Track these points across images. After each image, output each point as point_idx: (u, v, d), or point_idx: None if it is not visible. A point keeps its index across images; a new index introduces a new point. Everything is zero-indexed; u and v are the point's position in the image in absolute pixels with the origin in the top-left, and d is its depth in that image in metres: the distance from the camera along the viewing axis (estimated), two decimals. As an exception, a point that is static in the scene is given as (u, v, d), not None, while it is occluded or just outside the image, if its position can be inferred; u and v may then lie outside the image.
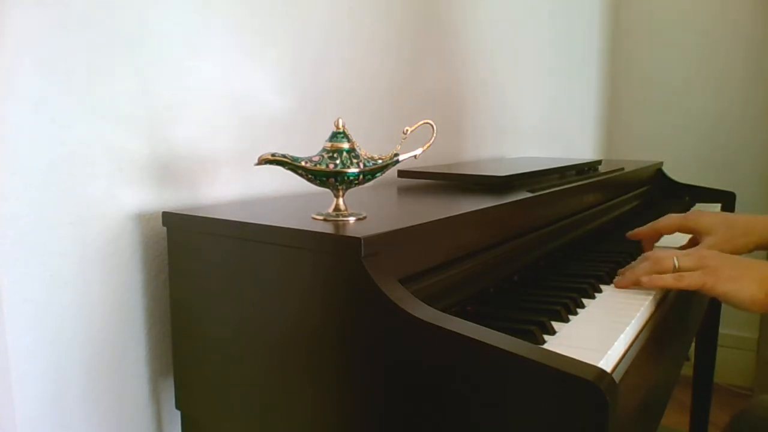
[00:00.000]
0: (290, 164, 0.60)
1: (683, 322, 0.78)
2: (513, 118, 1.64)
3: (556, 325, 0.62)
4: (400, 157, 0.65)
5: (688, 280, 0.70)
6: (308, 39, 0.91)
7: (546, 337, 0.59)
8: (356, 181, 0.62)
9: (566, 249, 0.94)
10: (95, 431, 0.68)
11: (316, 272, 0.55)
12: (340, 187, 0.62)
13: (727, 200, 1.53)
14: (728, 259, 0.73)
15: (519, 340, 0.46)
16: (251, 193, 0.84)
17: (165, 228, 0.69)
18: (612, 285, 0.78)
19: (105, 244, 0.67)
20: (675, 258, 0.73)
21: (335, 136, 0.62)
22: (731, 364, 2.18)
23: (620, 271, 0.79)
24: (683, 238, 0.98)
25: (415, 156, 0.67)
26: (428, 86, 1.23)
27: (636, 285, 0.74)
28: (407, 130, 0.65)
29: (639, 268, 0.75)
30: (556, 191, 0.91)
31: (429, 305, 0.50)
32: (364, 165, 0.62)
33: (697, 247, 0.85)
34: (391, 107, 1.11)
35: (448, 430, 0.48)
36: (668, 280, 0.71)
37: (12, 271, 0.59)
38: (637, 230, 0.95)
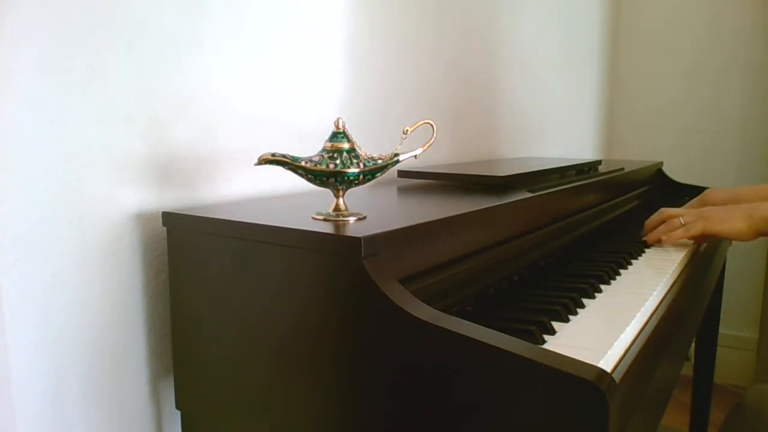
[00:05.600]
0: (290, 164, 0.60)
1: (683, 322, 0.78)
2: (513, 118, 1.64)
3: (556, 325, 0.62)
4: (400, 157, 0.65)
5: (693, 229, 0.97)
6: (306, 39, 0.91)
7: (546, 337, 0.59)
8: (356, 181, 0.62)
9: (566, 249, 0.94)
10: (95, 431, 0.68)
11: (316, 272, 0.55)
12: (340, 187, 0.62)
13: (727, 200, 1.53)
14: (720, 208, 0.99)
15: (519, 340, 0.46)
16: (251, 192, 0.84)
17: (165, 228, 0.69)
18: (611, 285, 0.79)
19: (105, 244, 0.67)
20: (680, 217, 0.99)
21: (335, 136, 0.62)
22: (731, 364, 2.18)
23: (645, 231, 1.05)
24: None
25: (415, 156, 0.68)
26: (429, 86, 1.23)
27: (659, 242, 1.01)
28: (407, 130, 0.65)
29: (657, 230, 1.02)
30: (556, 191, 0.91)
31: (429, 305, 0.50)
32: (364, 165, 0.62)
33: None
34: (392, 107, 1.11)
35: (447, 430, 0.48)
36: (680, 234, 0.98)
37: (12, 271, 0.59)
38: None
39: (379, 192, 0.87)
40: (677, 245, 1.03)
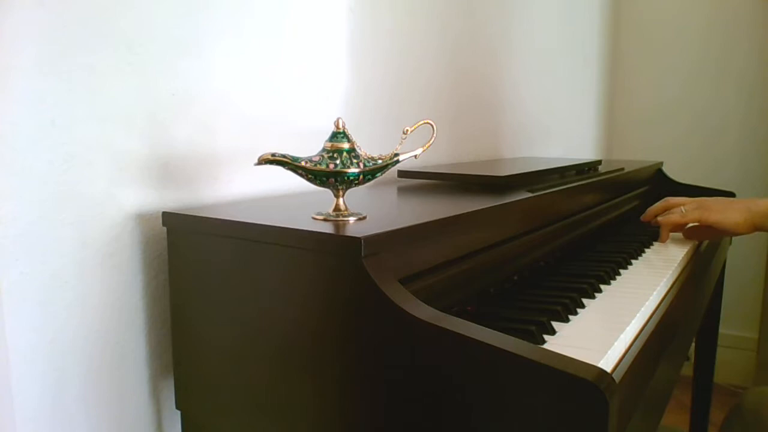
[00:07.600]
0: (290, 164, 0.60)
1: (683, 322, 0.78)
2: (514, 118, 1.64)
3: (556, 325, 0.62)
4: (400, 157, 0.65)
5: (690, 216, 1.00)
6: (307, 39, 0.91)
7: (546, 337, 0.59)
8: (356, 181, 0.62)
9: (566, 249, 0.94)
10: (95, 431, 0.68)
11: (316, 272, 0.55)
12: (340, 187, 0.62)
13: (727, 200, 1.53)
14: (720, 199, 1.02)
15: (519, 340, 0.46)
16: (251, 192, 0.84)
17: (165, 228, 0.69)
18: (611, 285, 0.79)
19: (105, 244, 0.67)
20: (682, 206, 1.02)
21: (335, 136, 0.62)
22: (731, 364, 2.18)
23: (647, 214, 1.09)
24: None
25: (415, 156, 0.68)
26: (430, 87, 1.23)
27: (654, 221, 1.05)
28: (407, 130, 0.65)
29: (655, 207, 1.06)
30: (556, 191, 0.91)
31: (429, 305, 0.50)
32: (364, 165, 0.62)
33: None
34: (393, 107, 1.11)
35: (447, 430, 0.48)
36: (676, 217, 1.01)
37: (12, 271, 0.59)
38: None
39: (379, 192, 0.87)
40: (677, 244, 1.03)
